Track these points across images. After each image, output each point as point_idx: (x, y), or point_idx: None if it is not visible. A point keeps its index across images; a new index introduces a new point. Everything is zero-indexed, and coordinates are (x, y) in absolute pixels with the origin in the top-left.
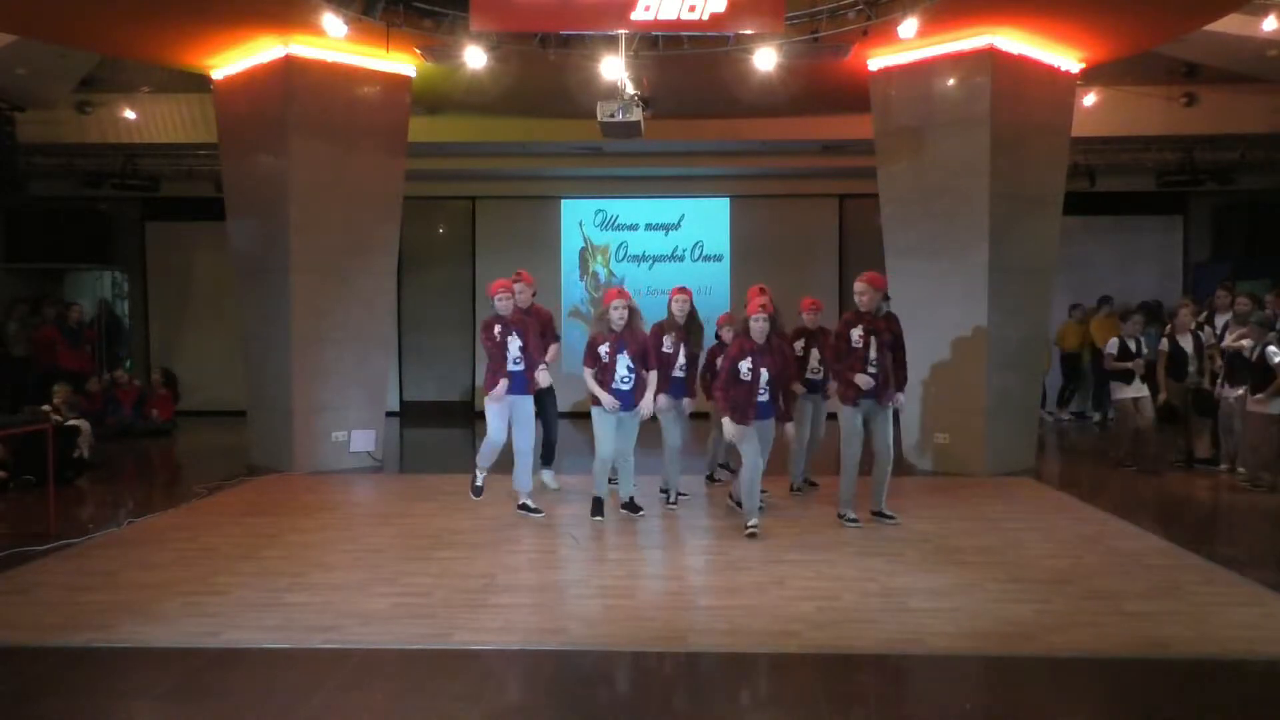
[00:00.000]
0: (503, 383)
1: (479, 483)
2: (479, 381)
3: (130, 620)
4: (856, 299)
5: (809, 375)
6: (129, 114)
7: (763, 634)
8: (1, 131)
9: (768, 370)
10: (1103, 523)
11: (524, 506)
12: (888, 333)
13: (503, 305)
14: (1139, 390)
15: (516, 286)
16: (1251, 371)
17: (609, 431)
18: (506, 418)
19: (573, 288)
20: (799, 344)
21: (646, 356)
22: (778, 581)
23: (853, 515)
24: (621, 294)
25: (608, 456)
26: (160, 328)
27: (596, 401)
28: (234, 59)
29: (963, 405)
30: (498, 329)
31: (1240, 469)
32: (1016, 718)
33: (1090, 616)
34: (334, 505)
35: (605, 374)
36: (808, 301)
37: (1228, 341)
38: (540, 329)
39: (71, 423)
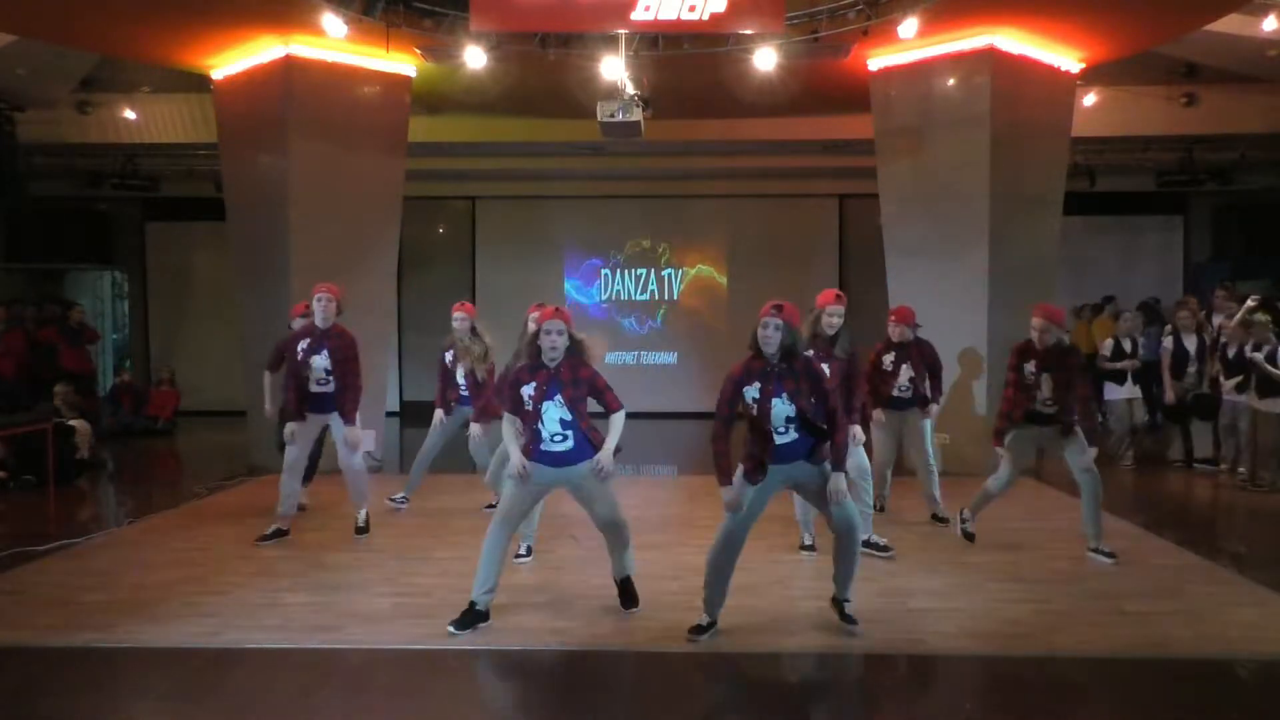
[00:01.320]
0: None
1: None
2: None
3: (130, 620)
4: (1033, 334)
5: (896, 394)
6: (129, 114)
7: (763, 634)
8: (1, 131)
9: (789, 400)
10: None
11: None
12: (1061, 367)
13: (319, 307)
14: (1131, 391)
15: (324, 300)
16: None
17: (514, 505)
18: (309, 439)
19: (575, 292)
20: (887, 358)
21: (602, 397)
22: (778, 581)
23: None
24: (560, 314)
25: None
26: (160, 328)
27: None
28: (234, 59)
29: (963, 405)
30: (302, 345)
31: (1240, 469)
32: (1016, 718)
33: (1090, 616)
34: (334, 505)
35: (528, 427)
36: (900, 311)
37: (1230, 346)
38: (345, 355)
39: (71, 423)
